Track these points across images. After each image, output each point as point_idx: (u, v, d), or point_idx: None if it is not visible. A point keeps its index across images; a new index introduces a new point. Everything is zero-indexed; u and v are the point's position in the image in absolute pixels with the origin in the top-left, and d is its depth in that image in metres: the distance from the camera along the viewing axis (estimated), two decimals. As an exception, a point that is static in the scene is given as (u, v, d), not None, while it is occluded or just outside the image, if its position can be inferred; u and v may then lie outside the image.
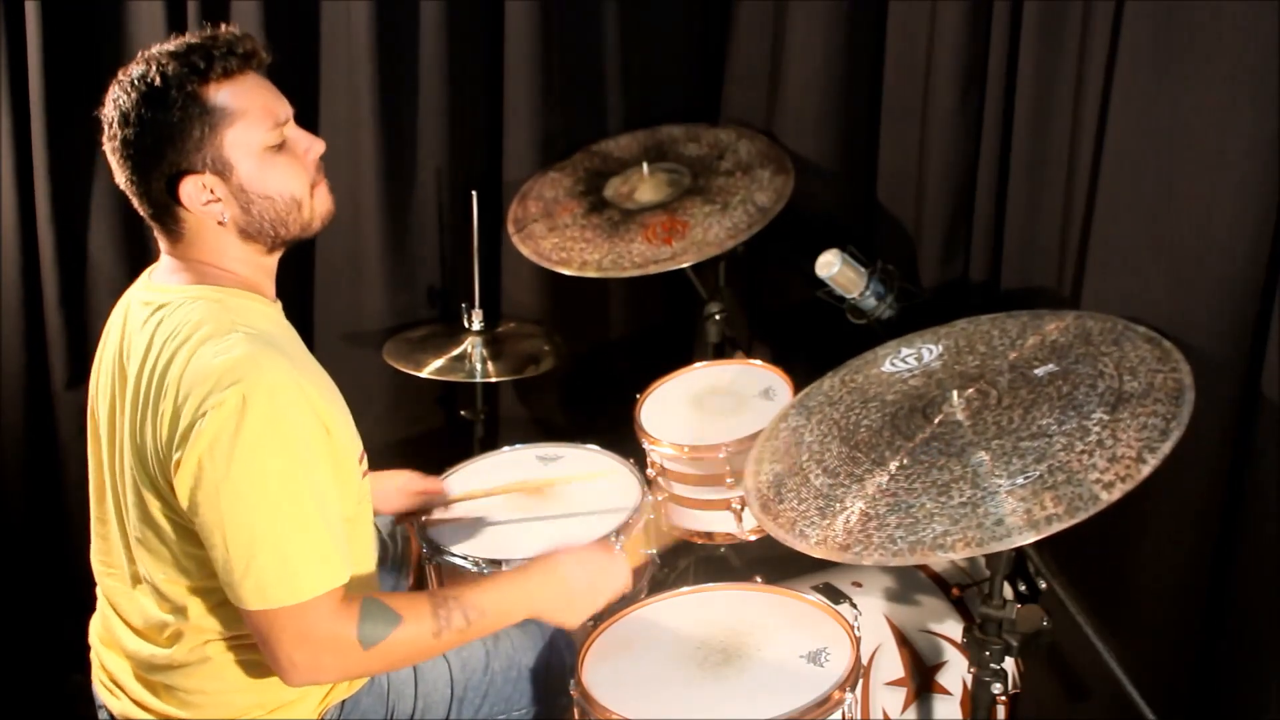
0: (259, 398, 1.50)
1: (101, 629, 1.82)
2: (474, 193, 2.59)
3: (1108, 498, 1.57)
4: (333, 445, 1.60)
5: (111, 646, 1.79)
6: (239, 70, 1.60)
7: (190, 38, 1.60)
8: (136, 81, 1.57)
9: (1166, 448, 1.61)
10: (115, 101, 1.59)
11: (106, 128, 1.61)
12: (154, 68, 1.57)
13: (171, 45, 1.59)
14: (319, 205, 1.69)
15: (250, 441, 1.50)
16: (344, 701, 1.75)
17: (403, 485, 2.13)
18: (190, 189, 1.59)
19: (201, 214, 1.61)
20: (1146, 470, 1.59)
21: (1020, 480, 1.64)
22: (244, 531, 1.52)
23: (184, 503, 1.54)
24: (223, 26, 1.62)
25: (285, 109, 1.65)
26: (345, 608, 1.57)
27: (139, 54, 1.60)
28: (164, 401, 1.55)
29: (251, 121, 1.60)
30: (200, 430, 1.50)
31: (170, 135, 1.57)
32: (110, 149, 1.62)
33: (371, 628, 1.58)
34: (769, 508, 1.85)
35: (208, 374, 1.52)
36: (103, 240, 2.79)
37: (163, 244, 1.68)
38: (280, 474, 1.52)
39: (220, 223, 1.62)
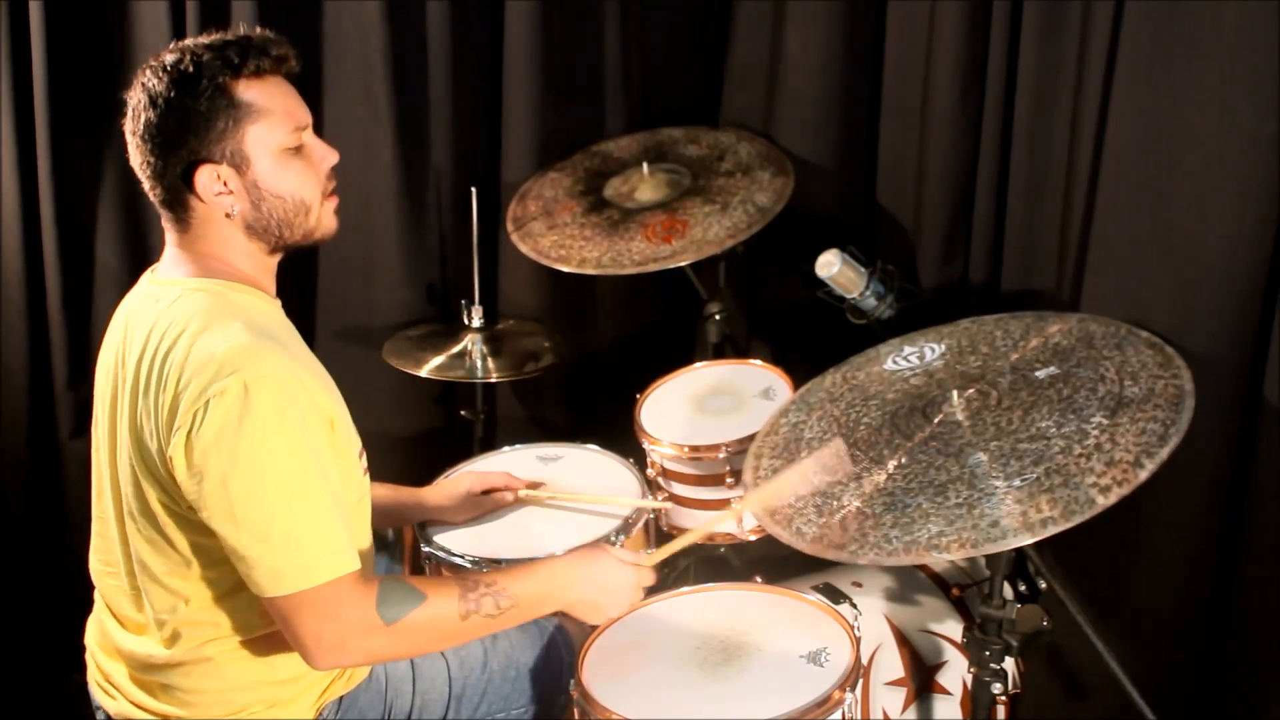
0: (261, 386, 1.51)
1: (98, 633, 1.82)
2: (473, 190, 2.59)
3: (1104, 502, 1.57)
4: (335, 437, 1.62)
5: (107, 650, 1.79)
6: (269, 71, 1.64)
7: (226, 34, 1.65)
8: (169, 67, 1.61)
9: (1165, 453, 1.61)
10: (144, 85, 1.62)
11: (130, 109, 1.64)
12: (188, 56, 1.61)
13: (207, 39, 1.64)
14: (325, 218, 1.72)
15: (255, 430, 1.51)
16: (341, 698, 1.75)
17: (470, 488, 2.12)
18: (205, 178, 1.62)
19: (212, 204, 1.64)
20: (1143, 475, 1.59)
21: (1017, 482, 1.64)
22: (255, 520, 1.53)
23: (190, 495, 1.55)
24: (257, 29, 1.67)
25: (306, 116, 1.68)
26: (364, 587, 1.58)
27: (172, 43, 1.64)
28: (164, 390, 1.56)
29: (274, 121, 1.64)
30: (204, 421, 1.51)
31: (195, 122, 1.60)
32: (131, 130, 1.64)
33: (392, 605, 1.59)
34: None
35: (208, 362, 1.53)
36: (106, 240, 2.79)
37: (169, 234, 1.70)
38: (287, 461, 1.53)
39: (228, 215, 1.65)
